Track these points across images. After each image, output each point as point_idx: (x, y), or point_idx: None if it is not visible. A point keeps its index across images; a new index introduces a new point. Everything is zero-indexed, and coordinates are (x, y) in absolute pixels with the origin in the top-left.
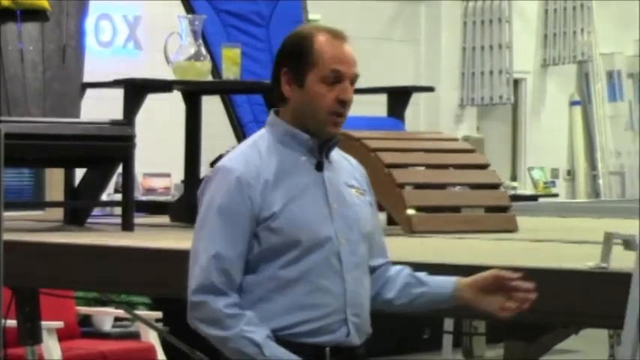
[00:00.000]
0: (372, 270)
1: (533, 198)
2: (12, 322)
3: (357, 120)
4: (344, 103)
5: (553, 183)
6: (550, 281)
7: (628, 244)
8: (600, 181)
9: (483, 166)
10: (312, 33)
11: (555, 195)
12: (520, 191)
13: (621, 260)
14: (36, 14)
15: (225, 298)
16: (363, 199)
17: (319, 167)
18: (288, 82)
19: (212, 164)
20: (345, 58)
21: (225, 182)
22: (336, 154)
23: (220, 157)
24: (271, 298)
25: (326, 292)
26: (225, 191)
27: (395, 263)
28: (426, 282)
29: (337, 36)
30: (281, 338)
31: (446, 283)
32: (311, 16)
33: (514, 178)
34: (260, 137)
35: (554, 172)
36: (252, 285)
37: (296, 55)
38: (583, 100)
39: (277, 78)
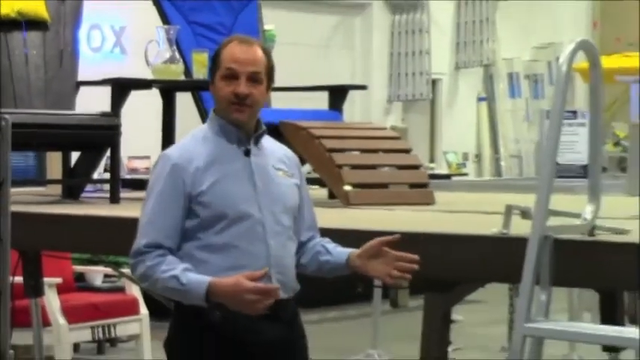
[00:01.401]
0: (305, 242)
1: (448, 177)
2: (19, 279)
3: (303, 113)
4: (239, 96)
5: (464, 164)
6: (461, 244)
7: (525, 214)
8: (502, 163)
9: (407, 151)
10: (225, 42)
11: (465, 174)
12: (437, 171)
13: (519, 228)
14: (38, 24)
15: (149, 256)
16: (289, 179)
17: (247, 153)
18: (211, 83)
19: None
20: (241, 59)
21: (164, 167)
22: (270, 143)
23: None
24: (207, 261)
25: (251, 255)
26: (163, 175)
27: (334, 230)
28: (330, 252)
29: (243, 41)
30: None
31: (342, 254)
32: (266, 27)
33: (432, 160)
34: (199, 130)
35: (465, 156)
36: (192, 249)
37: (212, 61)
38: (488, 97)
39: (210, 83)
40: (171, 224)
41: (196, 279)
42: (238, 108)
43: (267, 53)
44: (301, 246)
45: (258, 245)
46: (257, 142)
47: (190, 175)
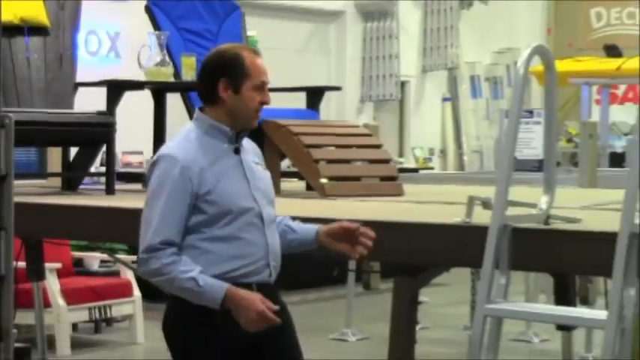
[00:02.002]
0: None
1: (415, 170)
2: (22, 264)
3: (283, 111)
4: (265, 104)
5: (430, 159)
6: (428, 232)
7: (486, 204)
8: (465, 158)
9: (378, 146)
10: (240, 52)
11: (431, 168)
12: (405, 165)
13: (480, 217)
14: (39, 30)
15: (164, 253)
16: (266, 172)
17: (237, 151)
18: (225, 89)
19: None
20: (265, 71)
21: (171, 168)
22: (244, 140)
23: None
24: (213, 251)
25: (253, 244)
26: (171, 176)
27: (313, 219)
28: (296, 230)
29: (256, 53)
30: (222, 280)
31: (310, 230)
32: (249, 33)
33: (401, 155)
34: (190, 131)
35: (431, 151)
36: (195, 241)
37: (232, 69)
38: (452, 97)
39: (212, 85)
40: (181, 222)
41: (213, 283)
42: (258, 115)
43: None
44: None
45: (258, 235)
46: (240, 139)
47: (196, 175)
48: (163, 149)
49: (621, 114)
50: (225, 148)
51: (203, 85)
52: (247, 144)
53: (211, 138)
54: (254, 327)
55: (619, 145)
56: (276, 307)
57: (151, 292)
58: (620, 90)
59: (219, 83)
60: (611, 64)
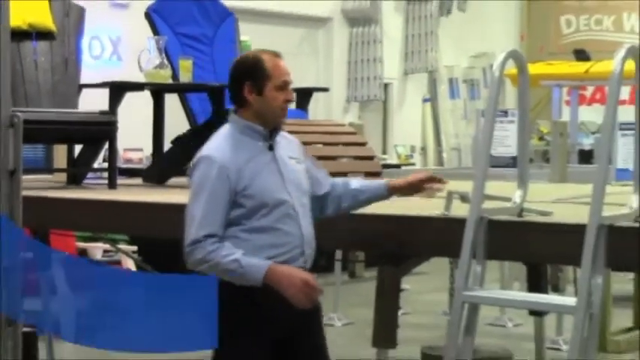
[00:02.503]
0: (326, 194)
1: (398, 166)
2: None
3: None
4: (289, 102)
5: (411, 156)
6: (410, 224)
7: (463, 198)
8: (444, 155)
9: (363, 144)
10: (260, 56)
11: (413, 164)
12: (388, 161)
13: (459, 210)
14: (46, 35)
15: (207, 242)
16: (300, 166)
17: (271, 148)
18: (250, 92)
19: (172, 142)
20: (287, 71)
21: (210, 169)
22: (279, 136)
23: (178, 137)
24: (252, 241)
25: (288, 234)
26: (211, 176)
27: None
28: (364, 191)
29: (277, 55)
30: None
31: (378, 188)
32: (242, 38)
33: (384, 152)
34: (227, 131)
35: (412, 148)
36: (237, 232)
37: (254, 73)
38: (432, 98)
39: (238, 89)
40: (222, 217)
41: (255, 262)
42: (285, 113)
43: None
44: (328, 194)
45: (293, 226)
46: (275, 137)
47: (234, 173)
48: (203, 150)
49: (589, 114)
50: (260, 145)
51: (231, 90)
52: (284, 140)
53: (247, 137)
54: (299, 295)
55: (587, 142)
56: (317, 284)
57: None
58: (589, 91)
59: (245, 87)
60: (580, 67)
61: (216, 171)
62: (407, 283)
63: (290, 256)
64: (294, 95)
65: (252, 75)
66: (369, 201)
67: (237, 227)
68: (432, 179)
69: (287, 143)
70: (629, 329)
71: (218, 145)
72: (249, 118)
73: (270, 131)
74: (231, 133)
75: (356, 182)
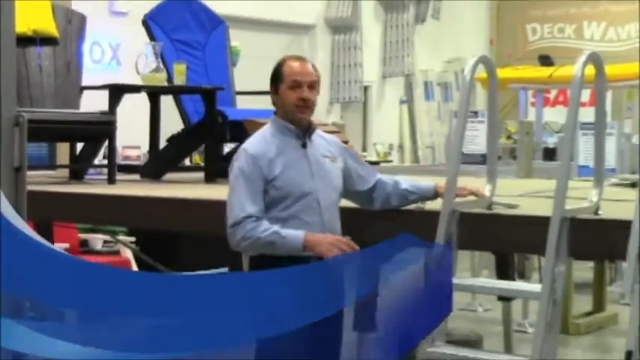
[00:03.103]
0: (371, 190)
1: (377, 163)
2: None
3: (262, 112)
4: (303, 100)
5: (390, 153)
6: (390, 217)
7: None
8: (419, 152)
9: (345, 142)
10: (283, 61)
11: (391, 161)
12: (368, 158)
13: (433, 203)
14: (49, 41)
15: (246, 222)
16: (334, 164)
17: (304, 146)
18: (273, 93)
19: (167, 140)
20: (301, 72)
21: (245, 159)
22: (319, 136)
23: (172, 136)
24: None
25: (308, 224)
26: (246, 166)
27: None
28: (414, 191)
29: (298, 58)
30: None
31: (428, 190)
32: (233, 43)
33: (364, 149)
34: (266, 130)
35: (390, 146)
36: (267, 219)
37: (274, 76)
38: (408, 100)
39: (270, 92)
40: (259, 200)
41: (293, 232)
42: (302, 110)
43: (315, 67)
44: (373, 189)
45: (315, 217)
46: (310, 136)
47: (265, 163)
48: (243, 145)
49: (553, 115)
50: (294, 143)
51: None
52: (321, 139)
53: (283, 135)
54: (333, 249)
55: (551, 141)
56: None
57: (144, 269)
58: (552, 94)
59: (271, 89)
60: (544, 72)
61: (250, 160)
62: None
63: None
64: (313, 95)
65: (273, 78)
66: (416, 201)
67: (266, 215)
68: (473, 194)
69: (324, 143)
70: (589, 313)
71: (254, 140)
72: (283, 118)
73: (304, 130)
74: (270, 131)
75: (406, 183)
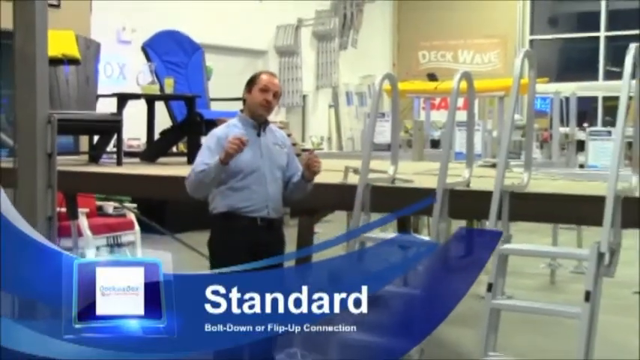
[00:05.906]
0: (290, 177)
1: (312, 150)
2: (63, 209)
3: (230, 113)
4: (267, 102)
5: (321, 143)
6: (322, 188)
7: (356, 171)
8: (343, 142)
9: (289, 135)
10: (260, 72)
11: (322, 149)
12: (306, 147)
13: (353, 179)
14: (74, 61)
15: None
16: (281, 150)
17: (258, 135)
18: (247, 92)
19: (160, 134)
20: (271, 82)
21: (211, 138)
22: (270, 129)
23: (164, 130)
24: (231, 196)
25: (257, 193)
26: (211, 143)
27: None
28: (295, 181)
29: (270, 73)
30: (236, 212)
31: (299, 176)
32: (208, 63)
33: (303, 140)
34: (233, 121)
35: (322, 138)
36: (225, 190)
37: (251, 80)
38: (335, 105)
39: (244, 93)
40: (208, 160)
41: (214, 160)
42: (265, 109)
43: (279, 84)
44: (291, 177)
45: (262, 188)
46: (264, 128)
47: (224, 140)
48: (214, 130)
49: (438, 116)
50: (251, 132)
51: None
52: (275, 133)
53: (244, 126)
54: (231, 146)
55: (436, 135)
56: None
57: (145, 228)
58: (437, 101)
59: (245, 90)
60: (431, 85)
61: (215, 139)
62: (318, 228)
63: (257, 207)
64: (274, 101)
65: (250, 81)
66: (299, 182)
67: (224, 186)
68: (312, 156)
69: (277, 134)
70: None
71: (221, 127)
72: (247, 114)
73: (260, 124)
74: (234, 122)
75: (296, 177)
